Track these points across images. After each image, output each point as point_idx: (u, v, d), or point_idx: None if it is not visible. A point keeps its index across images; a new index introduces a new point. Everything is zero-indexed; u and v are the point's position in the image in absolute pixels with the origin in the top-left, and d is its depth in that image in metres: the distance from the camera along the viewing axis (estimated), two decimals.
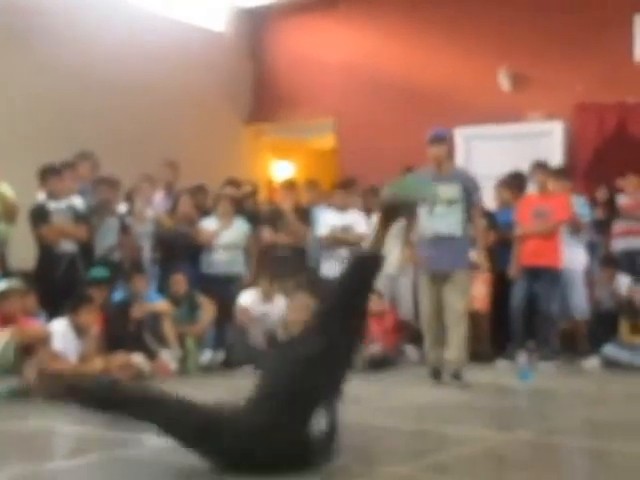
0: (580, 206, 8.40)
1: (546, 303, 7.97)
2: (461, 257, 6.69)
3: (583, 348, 8.17)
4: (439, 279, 6.57)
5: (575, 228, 8.26)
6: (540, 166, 8.37)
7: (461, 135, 10.62)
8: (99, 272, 7.56)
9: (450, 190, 6.64)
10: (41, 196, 7.79)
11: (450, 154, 7.01)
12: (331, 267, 8.73)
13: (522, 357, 6.86)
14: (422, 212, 6.66)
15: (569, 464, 3.97)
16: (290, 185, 9.46)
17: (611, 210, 8.88)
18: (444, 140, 6.90)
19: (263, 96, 12.33)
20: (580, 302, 8.29)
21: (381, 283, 8.81)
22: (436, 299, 6.59)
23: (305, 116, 11.92)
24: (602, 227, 8.82)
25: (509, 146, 10.30)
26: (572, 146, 10.20)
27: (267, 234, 8.86)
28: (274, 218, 8.94)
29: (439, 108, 10.61)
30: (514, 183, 8.88)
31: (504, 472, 3.74)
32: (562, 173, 8.64)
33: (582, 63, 10.08)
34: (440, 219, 6.63)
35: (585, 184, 9.52)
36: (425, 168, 6.95)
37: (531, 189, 8.56)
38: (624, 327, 7.82)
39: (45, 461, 4.05)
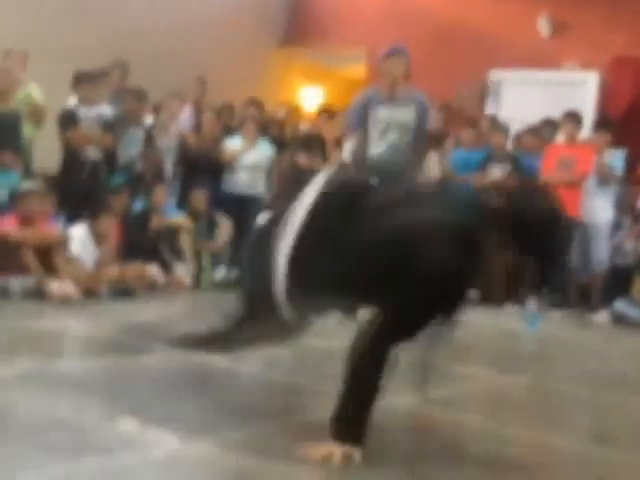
0: (614, 158, 8.31)
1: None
2: None
3: (596, 301, 8.18)
4: None
5: (604, 179, 8.19)
6: (571, 116, 8.29)
7: (494, 78, 10.51)
8: (120, 180, 7.60)
9: (404, 114, 6.13)
10: (72, 101, 7.79)
11: (408, 74, 6.20)
12: None
13: (532, 304, 6.89)
14: (371, 135, 6.11)
15: (564, 410, 4.02)
16: (330, 112, 9.41)
17: None
18: (402, 55, 6.23)
19: (297, 20, 12.19)
20: (601, 256, 8.27)
21: None
22: None
23: (338, 44, 11.79)
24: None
25: (541, 93, 10.18)
26: (605, 99, 10.08)
27: (302, 158, 8.80)
28: (311, 144, 8.89)
29: (473, 48, 10.47)
30: (543, 130, 8.81)
31: (502, 411, 3.81)
32: (602, 125, 8.55)
33: (624, 16, 9.89)
34: (389, 146, 6.14)
35: (617, 138, 9.42)
36: (373, 89, 6.42)
37: (560, 138, 8.50)
38: (637, 284, 7.82)
39: (55, 360, 4.14)
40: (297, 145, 8.98)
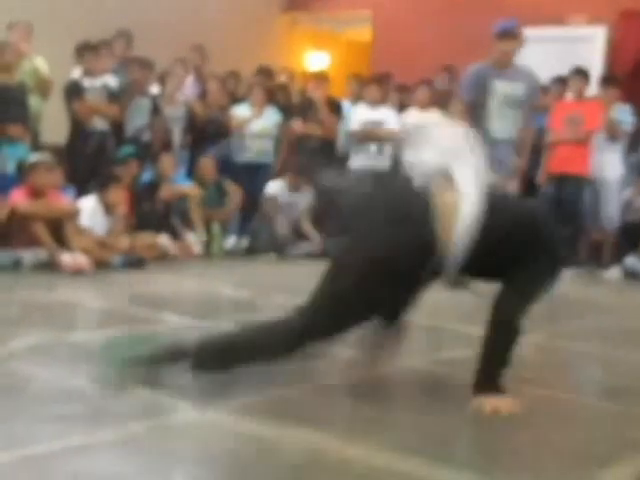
0: (622, 113, 8.26)
1: (572, 209, 7.95)
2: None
3: (607, 258, 8.17)
4: None
5: (613, 135, 8.14)
6: (578, 72, 8.23)
7: None
8: (128, 150, 7.60)
9: (518, 89, 6.25)
10: (76, 72, 7.78)
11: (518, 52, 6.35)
12: (359, 162, 8.73)
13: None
14: (489, 107, 6.24)
15: (576, 367, 4.04)
16: (322, 76, 9.33)
17: None
18: (516, 35, 6.34)
19: None
20: (611, 212, 8.24)
21: None
22: None
23: (342, 6, 11.71)
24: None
25: (548, 50, 10.06)
26: (613, 54, 9.98)
27: (298, 124, 8.82)
28: (305, 108, 8.88)
29: (479, 5, 10.38)
30: (553, 88, 8.76)
31: (513, 369, 3.81)
32: (609, 81, 8.49)
33: None
34: (502, 120, 6.24)
35: (625, 94, 9.34)
36: (483, 64, 6.54)
37: (569, 95, 8.44)
38: None
39: (68, 331, 4.16)
40: (293, 111, 8.96)
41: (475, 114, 6.24)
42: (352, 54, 12.33)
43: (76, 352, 3.65)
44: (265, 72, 9.35)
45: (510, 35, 6.32)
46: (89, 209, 6.73)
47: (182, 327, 4.34)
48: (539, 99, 6.54)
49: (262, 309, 5.30)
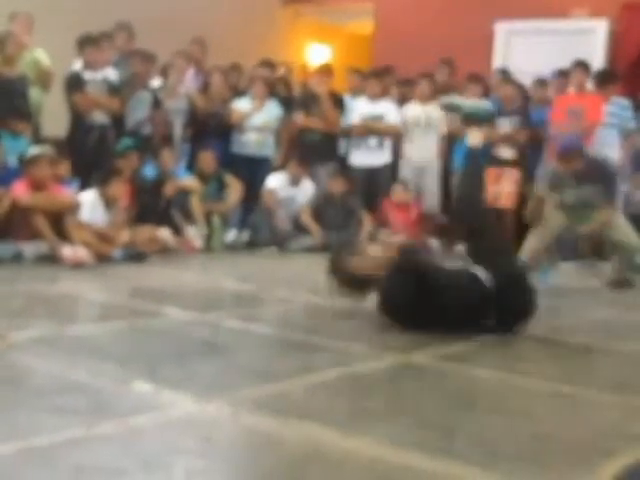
0: (623, 108, 8.25)
1: None
2: None
3: (608, 252, 8.14)
4: None
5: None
6: (580, 65, 8.22)
7: (501, 30, 10.40)
8: (128, 143, 7.60)
9: (585, 195, 6.39)
10: (77, 65, 7.77)
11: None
12: (360, 156, 8.73)
13: (543, 256, 6.86)
14: None
15: (579, 360, 4.04)
16: (326, 69, 9.33)
17: None
18: (577, 154, 6.43)
19: None
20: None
21: (408, 173, 8.83)
22: None
23: None
24: None
25: (550, 43, 10.06)
26: (615, 47, 9.96)
27: (299, 118, 8.81)
28: (308, 102, 8.87)
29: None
30: (558, 82, 8.75)
31: (515, 363, 3.82)
32: (607, 78, 8.48)
33: None
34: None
35: (626, 87, 9.32)
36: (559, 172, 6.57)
37: (571, 88, 8.43)
38: None
39: (69, 324, 4.16)
40: (295, 104, 8.95)
41: None
42: (354, 47, 12.32)
43: (77, 345, 3.65)
44: (266, 65, 9.33)
45: (569, 155, 6.41)
46: (89, 202, 6.73)
47: (184, 320, 4.34)
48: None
49: (264, 302, 5.31)
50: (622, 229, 6.49)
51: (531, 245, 6.38)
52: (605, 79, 8.35)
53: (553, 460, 2.49)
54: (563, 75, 8.64)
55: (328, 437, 2.55)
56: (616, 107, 8.18)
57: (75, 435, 2.44)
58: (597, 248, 8.31)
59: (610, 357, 4.10)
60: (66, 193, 6.63)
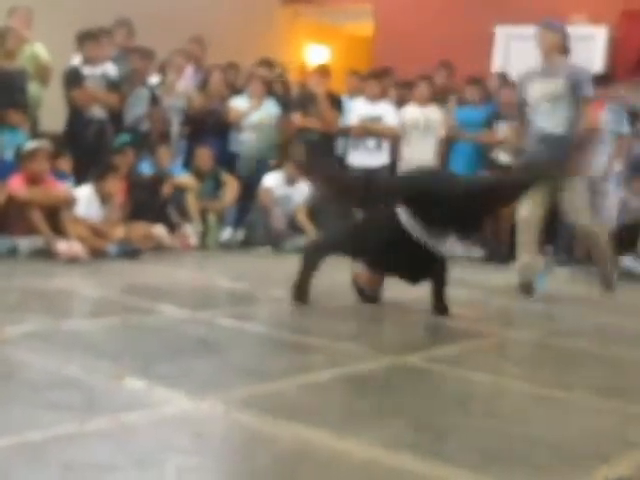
0: (617, 113, 8.25)
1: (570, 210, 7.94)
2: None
3: None
4: None
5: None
6: None
7: (501, 33, 10.41)
8: (124, 139, 7.60)
9: (552, 85, 6.30)
10: (76, 60, 7.75)
11: (560, 48, 6.37)
12: (358, 157, 8.73)
13: (540, 261, 6.87)
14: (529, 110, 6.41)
15: (572, 365, 4.04)
16: (324, 70, 9.33)
17: None
18: (549, 28, 6.41)
19: None
20: (609, 212, 8.24)
21: None
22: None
23: (343, 0, 11.69)
24: None
25: None
26: (615, 53, 9.98)
27: (297, 118, 8.81)
28: (306, 102, 8.87)
29: (481, 2, 10.38)
30: None
31: (509, 367, 3.82)
32: (604, 80, 8.50)
33: None
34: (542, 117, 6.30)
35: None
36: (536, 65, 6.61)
37: None
38: None
39: (63, 319, 4.15)
40: (293, 104, 8.95)
41: None
42: (353, 48, 12.32)
43: (71, 340, 3.64)
44: (265, 64, 9.33)
45: (543, 26, 6.42)
46: (85, 198, 6.72)
47: (178, 318, 4.34)
48: (585, 91, 6.37)
49: (259, 301, 5.31)
50: (574, 197, 6.39)
51: (524, 239, 6.29)
52: (600, 80, 8.38)
53: (546, 464, 2.48)
54: None
55: (320, 437, 2.55)
56: (611, 113, 8.19)
57: (67, 431, 2.43)
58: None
59: (605, 362, 4.11)
60: (62, 188, 6.61)
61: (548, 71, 6.34)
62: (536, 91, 6.34)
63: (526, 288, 6.09)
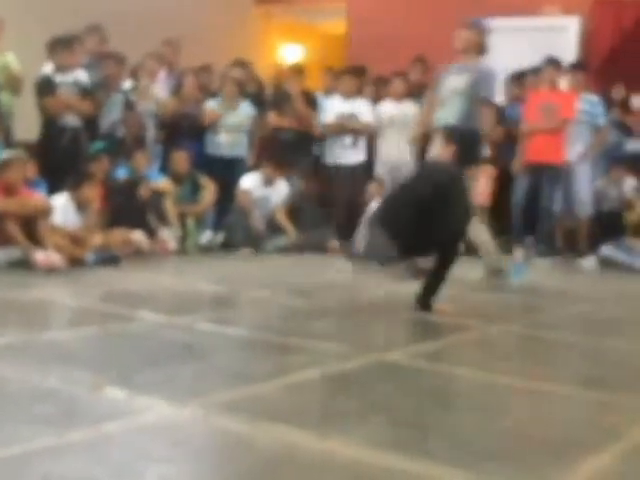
0: (593, 105, 8.28)
1: (547, 200, 7.98)
2: None
3: (583, 248, 8.20)
4: None
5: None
6: (551, 62, 8.24)
7: None
8: (99, 146, 7.55)
9: (458, 81, 6.55)
10: (48, 68, 7.69)
11: (477, 47, 6.68)
12: (334, 154, 8.71)
13: (518, 253, 6.89)
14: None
15: (554, 356, 4.04)
16: (298, 69, 9.31)
17: (626, 110, 8.78)
18: (469, 28, 6.71)
19: None
20: (584, 200, 8.27)
21: (382, 172, 8.81)
22: None
23: None
24: (622, 127, 8.72)
25: (523, 40, 10.08)
26: (588, 43, 10.00)
27: (273, 117, 8.79)
28: (280, 101, 8.85)
29: None
30: (527, 78, 8.78)
31: (492, 360, 3.81)
32: (578, 67, 8.54)
33: None
34: (443, 108, 6.55)
35: (599, 83, 9.36)
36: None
37: (543, 85, 8.45)
38: (629, 228, 7.82)
39: (42, 330, 4.11)
40: (268, 104, 8.93)
41: None
42: (327, 46, 12.30)
43: (50, 351, 3.61)
44: (239, 65, 9.29)
45: (462, 26, 6.72)
46: (61, 206, 6.67)
47: (158, 324, 4.30)
48: (486, 91, 6.64)
49: (239, 304, 5.28)
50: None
51: (482, 238, 6.31)
52: (576, 67, 8.46)
53: (530, 457, 2.47)
54: (536, 73, 8.66)
55: (303, 439, 2.53)
56: (587, 104, 8.22)
57: (47, 444, 2.40)
58: (573, 243, 8.36)
59: (586, 353, 4.11)
60: (38, 197, 6.56)
61: (460, 68, 6.57)
62: (445, 85, 6.60)
63: (494, 274, 6.19)
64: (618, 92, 8.96)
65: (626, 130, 8.66)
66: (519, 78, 8.84)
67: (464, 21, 6.73)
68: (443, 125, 6.22)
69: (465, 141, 5.26)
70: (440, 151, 5.44)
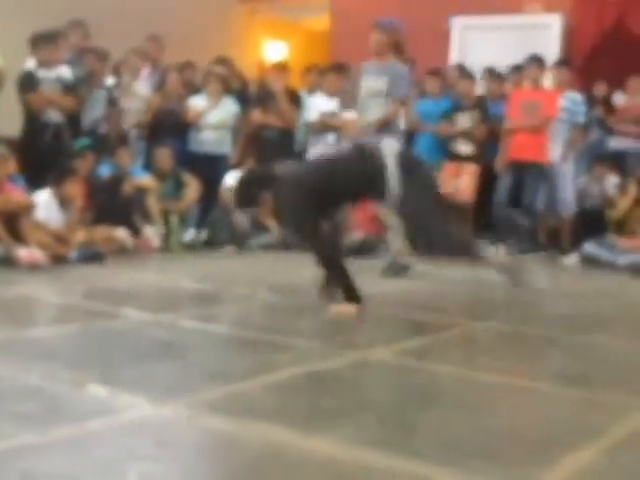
0: (575, 103, 8.32)
1: (530, 198, 8.01)
2: None
3: (566, 245, 8.23)
4: None
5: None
6: (534, 60, 8.26)
7: (457, 25, 10.44)
8: (84, 142, 7.52)
9: (378, 82, 6.71)
10: (30, 63, 7.65)
11: (392, 46, 6.93)
12: (319, 152, 8.70)
13: (501, 251, 6.91)
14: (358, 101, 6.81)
15: (536, 353, 4.05)
16: (282, 66, 9.28)
17: (608, 108, 8.82)
18: (381, 28, 6.85)
19: None
20: (567, 198, 8.30)
21: None
22: None
23: None
24: (603, 125, 8.75)
25: (505, 38, 10.12)
26: (570, 41, 10.04)
27: (256, 115, 8.77)
28: (264, 99, 8.83)
29: None
30: (510, 76, 8.81)
31: (475, 357, 3.82)
32: (562, 64, 8.58)
33: None
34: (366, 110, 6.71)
35: (582, 81, 9.40)
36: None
37: (526, 83, 8.48)
38: (611, 226, 7.85)
39: (25, 327, 4.10)
40: (252, 101, 8.91)
41: None
42: (311, 43, 12.29)
43: (32, 348, 3.59)
44: (222, 62, 9.27)
45: (376, 26, 6.84)
46: (43, 203, 6.63)
47: (142, 321, 4.29)
48: (402, 91, 6.83)
49: (223, 302, 5.27)
50: None
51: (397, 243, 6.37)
52: (560, 63, 8.51)
53: (513, 455, 2.48)
54: (519, 70, 8.69)
55: (286, 437, 2.52)
56: (569, 102, 8.25)
57: (29, 441, 2.39)
58: (556, 241, 8.40)
59: (571, 350, 4.12)
60: (20, 193, 6.52)
61: (377, 69, 6.71)
62: (364, 87, 6.74)
63: (394, 271, 6.30)
64: (600, 90, 9.00)
65: (608, 128, 8.69)
66: (501, 75, 8.86)
67: (373, 23, 6.88)
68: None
69: None
70: None
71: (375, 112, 6.61)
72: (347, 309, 4.61)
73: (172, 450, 2.41)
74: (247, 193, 4.88)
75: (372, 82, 6.69)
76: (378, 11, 10.76)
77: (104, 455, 2.33)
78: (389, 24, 7.02)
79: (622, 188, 7.87)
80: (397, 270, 6.31)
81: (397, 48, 7.01)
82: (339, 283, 4.71)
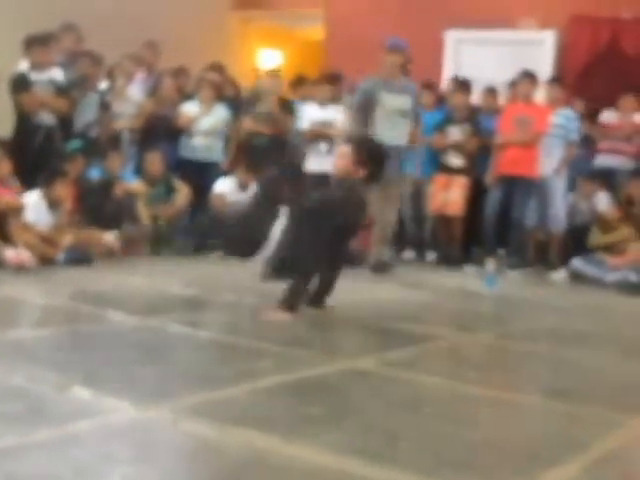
0: (568, 120, 8.34)
1: (519, 212, 8.02)
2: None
3: (554, 260, 8.24)
4: None
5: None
6: (527, 75, 8.28)
7: (451, 38, 10.47)
8: (75, 145, 7.50)
9: (402, 101, 7.08)
10: (23, 65, 7.63)
11: (405, 66, 7.41)
12: (311, 162, 8.70)
13: (490, 264, 6.92)
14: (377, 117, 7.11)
15: (523, 367, 4.06)
16: (275, 74, 9.29)
17: (592, 125, 8.83)
18: (402, 50, 7.20)
19: None
20: (559, 214, 8.30)
21: None
22: None
23: (295, 4, 11.67)
24: (587, 142, 8.77)
25: (499, 53, 10.16)
26: (563, 58, 10.09)
27: (248, 122, 8.77)
28: (254, 100, 8.82)
29: (431, 7, 10.45)
30: (503, 91, 8.84)
31: (461, 370, 3.82)
32: (555, 81, 8.62)
33: None
34: (391, 129, 7.06)
35: (573, 98, 9.43)
36: (374, 77, 7.30)
37: (518, 98, 8.50)
38: (593, 234, 7.86)
39: (10, 329, 4.08)
40: (243, 108, 8.91)
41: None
42: (305, 52, 12.31)
43: (17, 350, 3.58)
44: (215, 69, 9.27)
45: (396, 49, 7.22)
46: (33, 204, 6.62)
47: (127, 325, 4.28)
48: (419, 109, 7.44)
49: (209, 307, 5.26)
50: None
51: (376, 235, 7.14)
52: (553, 80, 8.56)
53: (496, 468, 2.49)
54: (512, 85, 8.71)
55: (270, 444, 2.52)
56: (563, 119, 8.27)
57: (11, 442, 2.38)
58: (545, 256, 8.41)
59: (553, 364, 4.13)
60: (9, 194, 6.51)
61: (399, 88, 7.18)
62: (387, 104, 7.12)
63: (380, 267, 6.93)
64: (578, 107, 8.97)
65: (591, 144, 8.70)
66: (495, 90, 8.88)
67: (389, 43, 7.19)
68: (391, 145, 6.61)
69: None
70: None
71: (401, 130, 7.11)
72: (281, 316, 4.63)
73: (155, 454, 2.41)
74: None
75: (397, 101, 7.12)
76: (372, 23, 10.82)
77: (87, 457, 2.32)
78: (404, 46, 7.31)
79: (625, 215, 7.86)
80: (382, 267, 6.88)
81: (404, 67, 7.30)
82: (293, 288, 4.70)
